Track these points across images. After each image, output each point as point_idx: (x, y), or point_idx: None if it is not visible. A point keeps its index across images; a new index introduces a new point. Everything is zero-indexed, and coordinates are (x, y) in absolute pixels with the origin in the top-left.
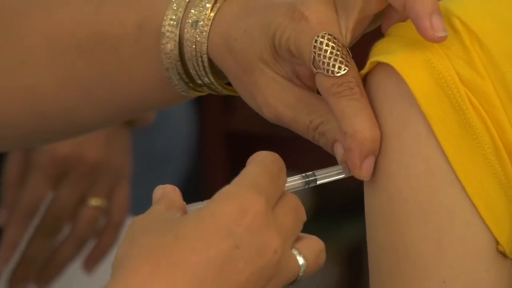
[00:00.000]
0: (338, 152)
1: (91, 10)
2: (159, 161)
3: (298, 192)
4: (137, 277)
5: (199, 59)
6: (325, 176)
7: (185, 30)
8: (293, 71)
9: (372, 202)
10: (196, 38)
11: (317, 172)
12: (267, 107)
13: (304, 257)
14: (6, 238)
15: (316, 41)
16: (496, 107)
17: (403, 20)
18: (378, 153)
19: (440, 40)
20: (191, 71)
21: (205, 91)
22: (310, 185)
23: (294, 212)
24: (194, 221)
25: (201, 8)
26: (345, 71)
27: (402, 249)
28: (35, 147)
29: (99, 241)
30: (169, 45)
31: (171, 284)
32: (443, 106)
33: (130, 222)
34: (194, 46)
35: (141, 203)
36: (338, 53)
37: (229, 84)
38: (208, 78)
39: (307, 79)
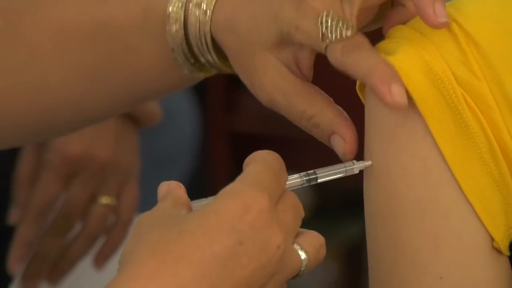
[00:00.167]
0: (337, 144)
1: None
2: (164, 160)
3: (299, 191)
4: (142, 271)
5: (202, 37)
6: (326, 175)
7: (190, 12)
8: (294, 58)
9: (371, 201)
10: (199, 18)
11: (318, 171)
12: (262, 92)
13: (305, 252)
14: (18, 237)
15: (322, 17)
16: (491, 107)
17: (404, 22)
18: (400, 82)
19: (442, 26)
20: (194, 49)
21: (210, 71)
22: (311, 183)
23: (294, 209)
24: (198, 218)
25: None
26: (353, 32)
27: (400, 246)
28: (46, 141)
29: (108, 238)
30: (174, 26)
31: (175, 278)
32: (439, 106)
33: (137, 219)
34: (198, 25)
35: (146, 200)
36: (344, 22)
37: None
38: (211, 56)
39: (306, 68)
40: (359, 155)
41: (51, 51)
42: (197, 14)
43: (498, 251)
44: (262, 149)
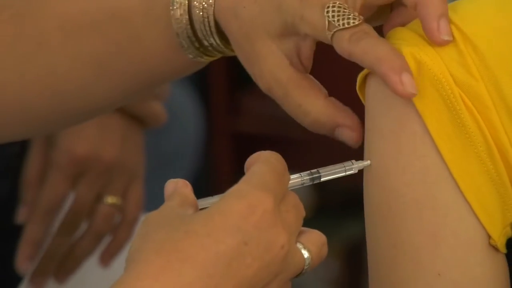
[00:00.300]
0: (345, 134)
1: None
2: (169, 160)
3: (299, 191)
4: (148, 270)
5: (206, 20)
6: (328, 174)
7: None
8: (295, 49)
9: (371, 200)
10: (203, 2)
11: (321, 170)
12: (262, 79)
13: (308, 251)
14: (26, 236)
15: (328, 7)
16: (489, 107)
17: (404, 24)
18: (410, 71)
19: (443, 43)
20: (198, 33)
21: (215, 55)
22: (315, 182)
23: (296, 209)
24: (204, 218)
25: None
26: (360, 21)
27: (399, 244)
28: (55, 132)
29: (114, 236)
30: (178, 11)
31: (180, 277)
32: (438, 106)
33: (144, 217)
34: (202, 8)
35: (152, 200)
36: (350, 12)
37: None
38: (214, 39)
39: (306, 59)
40: (359, 155)
41: (58, 40)
42: None
43: (495, 248)
44: (264, 149)
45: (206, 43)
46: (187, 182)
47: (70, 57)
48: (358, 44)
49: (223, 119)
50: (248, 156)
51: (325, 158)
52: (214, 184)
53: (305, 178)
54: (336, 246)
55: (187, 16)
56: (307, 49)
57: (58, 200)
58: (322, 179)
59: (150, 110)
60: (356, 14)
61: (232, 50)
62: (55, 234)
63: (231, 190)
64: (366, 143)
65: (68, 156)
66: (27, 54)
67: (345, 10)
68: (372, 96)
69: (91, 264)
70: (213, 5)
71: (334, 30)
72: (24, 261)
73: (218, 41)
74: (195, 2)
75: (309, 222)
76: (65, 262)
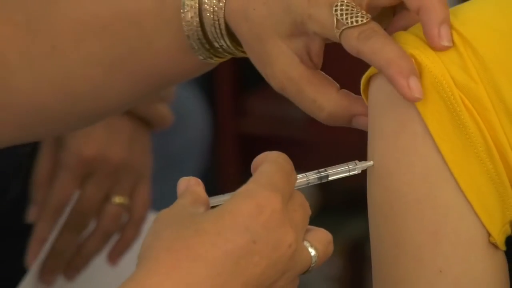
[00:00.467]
0: (361, 122)
1: None
2: (176, 161)
3: (304, 191)
4: (158, 267)
5: (216, 23)
6: (334, 173)
7: None
8: (305, 48)
9: (374, 200)
10: (213, 5)
11: (328, 169)
12: (274, 79)
13: (315, 249)
14: (36, 234)
15: (336, 5)
16: (488, 109)
17: (407, 28)
18: (419, 75)
19: (443, 48)
20: (209, 35)
21: (224, 56)
22: (322, 181)
23: (302, 208)
24: (214, 217)
25: None
26: (368, 19)
27: (401, 243)
28: (67, 133)
29: (122, 235)
30: (189, 13)
31: (190, 275)
32: (439, 108)
33: (156, 215)
34: (212, 11)
35: (159, 199)
36: (358, 10)
37: None
38: (225, 41)
39: (316, 57)
40: (363, 156)
41: (70, 43)
42: (211, 1)
43: (495, 246)
44: (269, 150)
45: (216, 44)
46: (199, 180)
47: (82, 59)
48: (366, 43)
49: (229, 121)
50: (253, 156)
51: (329, 159)
52: (220, 184)
53: (312, 177)
54: (339, 244)
55: (197, 19)
56: (317, 47)
57: (66, 200)
58: (332, 178)
59: (156, 112)
60: (364, 12)
61: (242, 51)
62: (63, 232)
63: (241, 190)
64: (369, 144)
65: (76, 157)
66: (41, 57)
67: (353, 9)
68: (374, 98)
69: (99, 262)
70: (223, 8)
71: (343, 28)
72: (33, 258)
73: (228, 43)
74: (205, 5)
75: (313, 221)
76: (74, 260)
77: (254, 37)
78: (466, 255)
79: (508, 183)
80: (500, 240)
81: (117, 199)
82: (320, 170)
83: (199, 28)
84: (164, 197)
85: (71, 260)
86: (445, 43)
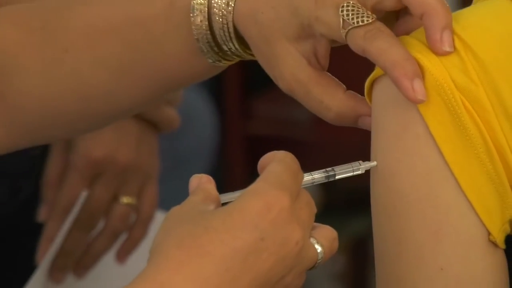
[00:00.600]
0: (367, 123)
1: None
2: (183, 162)
3: (309, 189)
4: (168, 264)
5: (225, 25)
6: (341, 172)
7: (213, 3)
8: (312, 50)
9: (377, 200)
10: (222, 9)
11: (336, 168)
12: (283, 81)
13: (321, 245)
14: (46, 233)
15: (342, 6)
16: (488, 111)
17: (408, 33)
18: (422, 77)
19: (444, 53)
20: (218, 39)
21: (233, 59)
22: (330, 180)
23: (308, 206)
24: (223, 215)
25: None
26: (373, 19)
27: (403, 242)
28: (79, 135)
29: (130, 235)
30: (198, 17)
31: (199, 271)
32: (440, 110)
33: (168, 212)
34: (221, 14)
35: (167, 200)
36: (364, 11)
37: None
38: (233, 43)
39: (323, 58)
40: (366, 156)
41: (82, 47)
42: (220, 5)
43: (494, 244)
44: (275, 150)
45: (225, 48)
46: (211, 178)
47: (93, 63)
48: (373, 43)
49: (236, 123)
50: (260, 157)
51: (333, 159)
52: (227, 184)
53: (318, 176)
54: (343, 242)
55: (206, 23)
56: (323, 49)
57: (75, 200)
58: (339, 177)
59: (163, 115)
60: (369, 13)
61: (250, 54)
62: (73, 231)
63: (250, 188)
64: (372, 144)
65: (85, 159)
66: (54, 60)
67: (359, 9)
68: (378, 100)
69: (108, 261)
70: (232, 12)
71: (349, 28)
72: (43, 256)
73: (236, 46)
74: (214, 9)
75: (317, 219)
76: (83, 258)
77: (263, 40)
78: (467, 253)
79: (507, 183)
80: (499, 238)
81: (125, 199)
82: (327, 169)
83: (208, 32)
84: (171, 197)
85: (80, 259)
86: (447, 48)
